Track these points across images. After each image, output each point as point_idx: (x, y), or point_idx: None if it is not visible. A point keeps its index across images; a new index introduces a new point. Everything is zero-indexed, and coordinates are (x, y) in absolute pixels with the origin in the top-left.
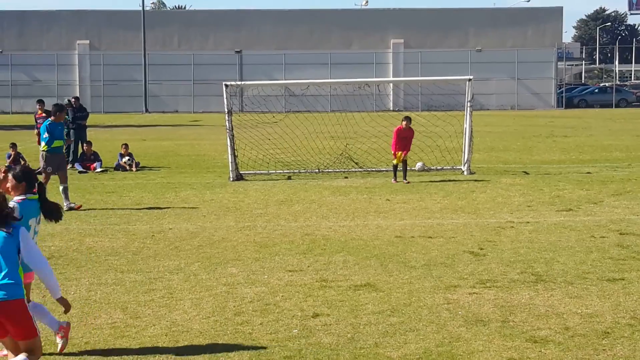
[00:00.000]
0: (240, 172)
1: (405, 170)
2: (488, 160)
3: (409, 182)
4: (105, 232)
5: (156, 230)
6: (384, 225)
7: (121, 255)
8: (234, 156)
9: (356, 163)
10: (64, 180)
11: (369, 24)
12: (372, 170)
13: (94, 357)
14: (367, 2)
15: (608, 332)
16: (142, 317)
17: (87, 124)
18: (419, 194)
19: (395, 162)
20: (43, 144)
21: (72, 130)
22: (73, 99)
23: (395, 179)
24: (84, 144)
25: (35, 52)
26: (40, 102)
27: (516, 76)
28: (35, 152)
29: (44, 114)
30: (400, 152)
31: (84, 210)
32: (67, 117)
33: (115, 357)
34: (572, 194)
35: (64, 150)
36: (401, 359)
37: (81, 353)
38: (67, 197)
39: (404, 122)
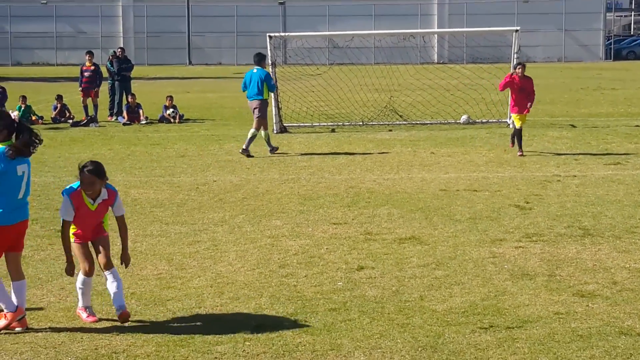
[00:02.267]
0: (284, 124)
1: (520, 138)
2: (534, 114)
3: (522, 154)
4: (150, 184)
5: (200, 183)
6: (428, 179)
7: (166, 207)
8: (278, 108)
9: (400, 116)
10: None
11: None
12: (417, 123)
13: (140, 307)
14: None
15: None
16: (187, 268)
17: (131, 75)
18: (464, 147)
19: (517, 124)
20: None
21: (116, 82)
22: (119, 50)
23: (519, 149)
24: (129, 96)
25: (79, 3)
26: (90, 53)
27: (563, 27)
28: (79, 104)
29: (92, 67)
30: (517, 114)
31: (129, 162)
32: (111, 68)
33: (161, 308)
34: (620, 147)
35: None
36: (446, 312)
37: (128, 303)
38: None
39: (518, 70)
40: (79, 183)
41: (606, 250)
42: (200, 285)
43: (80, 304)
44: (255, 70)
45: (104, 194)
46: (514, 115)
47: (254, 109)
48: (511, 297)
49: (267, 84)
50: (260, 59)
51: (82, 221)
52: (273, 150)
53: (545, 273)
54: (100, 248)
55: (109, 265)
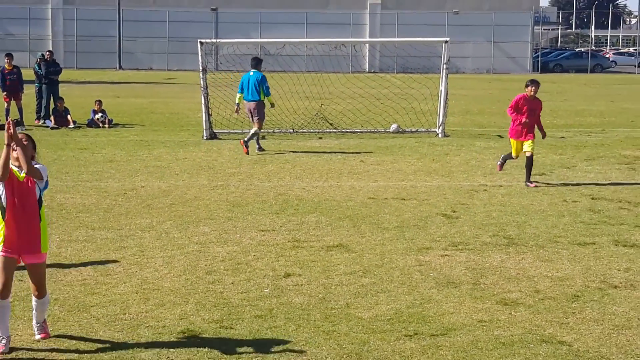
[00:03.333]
0: (214, 130)
1: (530, 168)
2: (463, 124)
3: (535, 185)
4: (76, 189)
5: (128, 188)
6: (357, 187)
7: (92, 213)
8: (208, 115)
9: (330, 124)
10: None
11: None
12: (347, 132)
13: (63, 313)
14: None
15: (578, 296)
16: (113, 274)
17: (60, 79)
18: (392, 156)
19: (514, 153)
20: None
21: (44, 85)
22: (47, 53)
23: (528, 179)
24: (57, 100)
25: (7, 5)
26: (9, 55)
27: (492, 39)
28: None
29: (14, 69)
30: (521, 140)
31: (56, 166)
32: (39, 71)
33: (85, 314)
34: (546, 158)
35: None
36: (372, 319)
37: (50, 310)
38: None
39: (531, 88)
40: None
41: (530, 259)
42: (126, 291)
43: None
44: (252, 73)
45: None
46: (514, 141)
47: (251, 110)
48: (436, 304)
49: (263, 86)
50: (256, 63)
51: (11, 200)
52: (260, 149)
53: (470, 281)
54: (33, 278)
55: (40, 294)
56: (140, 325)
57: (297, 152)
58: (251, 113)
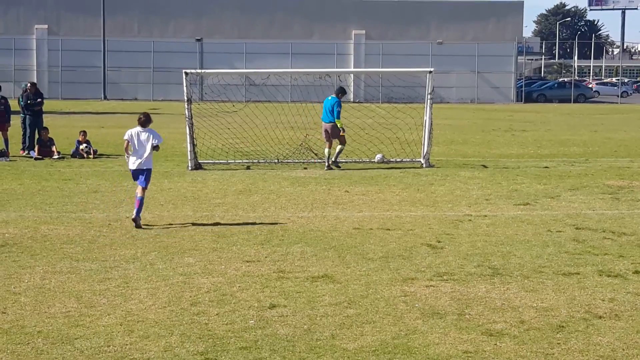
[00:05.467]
0: (199, 161)
1: None
2: (447, 153)
3: None
4: (61, 219)
5: (113, 219)
6: (342, 217)
7: (77, 244)
8: (193, 145)
9: (315, 154)
10: None
11: (331, 15)
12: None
13: (46, 346)
14: None
15: (563, 326)
16: (97, 306)
17: (44, 109)
18: (377, 186)
19: None
20: None
21: (27, 117)
22: (29, 85)
23: None
24: (42, 130)
25: None
26: None
27: (476, 69)
28: None
29: (1, 99)
30: None
31: (40, 197)
32: (22, 102)
33: (68, 347)
34: (530, 188)
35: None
36: (357, 351)
37: (34, 342)
38: None
39: None
40: None
41: (514, 289)
42: (110, 323)
43: None
44: (330, 98)
45: None
46: None
47: (328, 130)
48: (421, 335)
49: (335, 109)
50: (338, 91)
51: None
52: (330, 166)
53: (455, 312)
54: None
55: None
56: (124, 357)
57: (283, 182)
58: (328, 133)
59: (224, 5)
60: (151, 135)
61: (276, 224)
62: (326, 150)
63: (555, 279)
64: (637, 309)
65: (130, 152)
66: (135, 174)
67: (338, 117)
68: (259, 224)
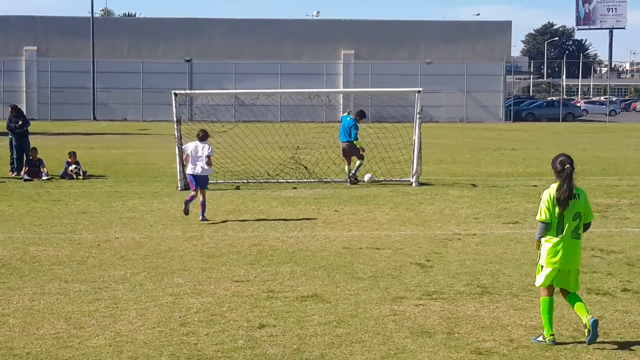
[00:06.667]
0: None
1: None
2: (436, 172)
3: None
4: (50, 240)
5: (102, 240)
6: (331, 236)
7: (66, 265)
8: (182, 165)
9: (306, 168)
10: None
11: (320, 35)
12: (321, 181)
13: None
14: (318, 13)
15: (551, 345)
16: (86, 327)
17: (30, 131)
18: (367, 205)
19: None
20: None
21: (13, 139)
22: (9, 108)
23: None
24: (29, 152)
25: None
26: None
27: (465, 89)
28: None
29: None
30: None
31: (29, 218)
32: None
33: None
34: (519, 207)
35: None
36: None
37: None
38: None
39: None
40: None
41: (504, 307)
42: (99, 344)
43: None
44: (348, 119)
45: None
46: None
47: (345, 149)
48: (411, 354)
49: (352, 131)
50: (357, 114)
51: None
52: (351, 180)
53: (444, 330)
54: None
55: None
56: None
57: (272, 202)
58: (346, 152)
59: (213, 26)
60: (206, 147)
61: (265, 243)
62: (346, 167)
63: None
64: (626, 327)
65: (187, 163)
66: (196, 179)
67: (356, 139)
68: (249, 244)
